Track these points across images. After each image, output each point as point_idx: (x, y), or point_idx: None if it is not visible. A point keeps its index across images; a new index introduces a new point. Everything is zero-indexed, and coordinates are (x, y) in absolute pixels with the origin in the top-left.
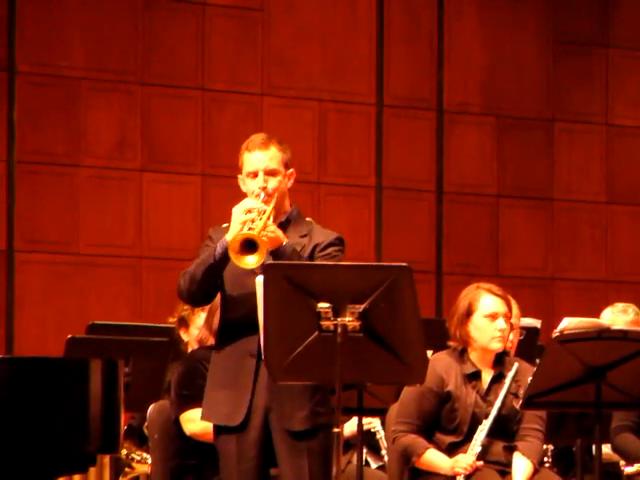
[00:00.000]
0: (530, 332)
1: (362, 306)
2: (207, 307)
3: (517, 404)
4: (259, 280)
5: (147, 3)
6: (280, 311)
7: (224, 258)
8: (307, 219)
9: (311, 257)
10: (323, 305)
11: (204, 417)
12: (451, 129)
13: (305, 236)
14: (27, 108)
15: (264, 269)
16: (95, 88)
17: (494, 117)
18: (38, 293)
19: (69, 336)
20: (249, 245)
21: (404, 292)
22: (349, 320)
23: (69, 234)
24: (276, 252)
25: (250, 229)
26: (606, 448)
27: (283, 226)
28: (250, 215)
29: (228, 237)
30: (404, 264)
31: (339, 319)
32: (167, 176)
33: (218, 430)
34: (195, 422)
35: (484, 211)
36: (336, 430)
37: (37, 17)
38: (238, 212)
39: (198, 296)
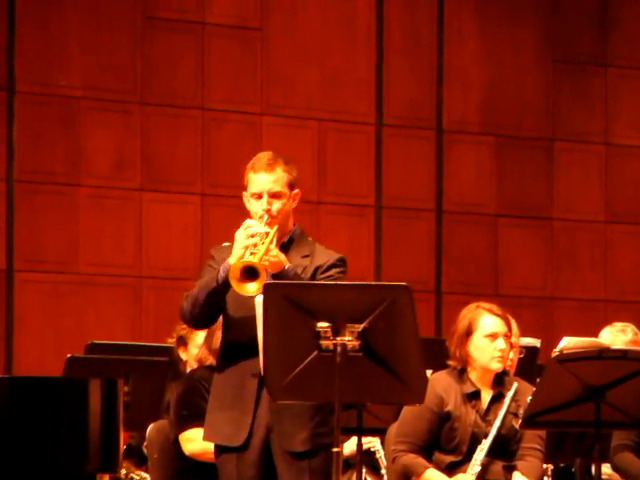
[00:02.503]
0: (530, 351)
1: (361, 325)
2: None
3: (517, 423)
4: (258, 300)
5: (146, 23)
6: (280, 330)
7: (227, 282)
8: (309, 239)
9: (313, 279)
10: (322, 324)
11: (206, 437)
12: (450, 148)
13: (307, 257)
14: (26, 127)
15: (264, 288)
16: (94, 107)
17: (493, 136)
18: (38, 312)
19: (68, 355)
20: (250, 272)
21: (404, 312)
22: (348, 339)
23: (69, 253)
24: (278, 276)
25: (252, 253)
26: (606, 467)
27: (286, 246)
28: (252, 240)
29: (231, 260)
30: (404, 283)
31: (338, 338)
32: (166, 196)
33: (219, 450)
34: (194, 442)
35: (483, 230)
36: (336, 450)
37: (36, 36)
38: (241, 236)
39: (201, 319)
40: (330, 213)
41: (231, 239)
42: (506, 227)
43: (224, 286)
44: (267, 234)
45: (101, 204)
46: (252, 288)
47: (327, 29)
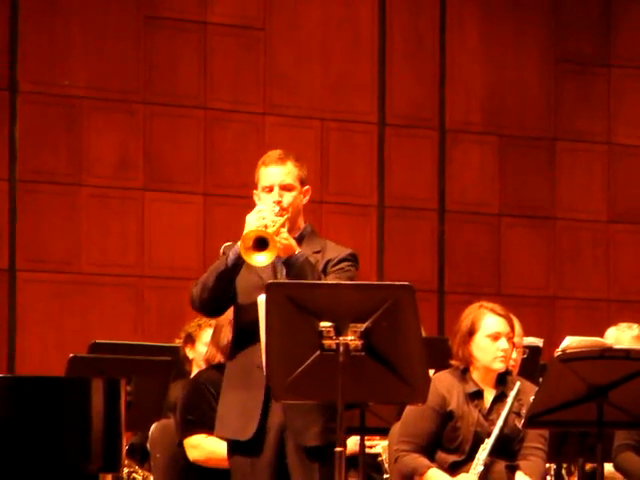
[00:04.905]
0: (532, 351)
1: (364, 325)
2: (214, 323)
3: (519, 423)
4: (261, 299)
5: (149, 22)
6: (282, 330)
7: (236, 264)
8: (320, 236)
9: (324, 272)
10: (325, 324)
11: (217, 432)
12: (453, 148)
13: (318, 252)
14: (29, 127)
15: (266, 288)
16: (97, 107)
17: (496, 136)
18: (40, 312)
19: (71, 355)
20: (261, 244)
21: (406, 311)
22: (351, 339)
23: (71, 253)
24: (288, 261)
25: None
26: (608, 467)
27: (296, 242)
28: (263, 221)
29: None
30: (406, 283)
31: (341, 338)
32: (169, 195)
33: (232, 448)
34: (198, 449)
35: (486, 230)
36: (338, 449)
37: (39, 36)
38: (252, 219)
39: (210, 304)
40: (333, 213)
41: (234, 239)
42: (509, 227)
43: (234, 267)
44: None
45: (104, 204)
46: (260, 259)
47: (330, 29)
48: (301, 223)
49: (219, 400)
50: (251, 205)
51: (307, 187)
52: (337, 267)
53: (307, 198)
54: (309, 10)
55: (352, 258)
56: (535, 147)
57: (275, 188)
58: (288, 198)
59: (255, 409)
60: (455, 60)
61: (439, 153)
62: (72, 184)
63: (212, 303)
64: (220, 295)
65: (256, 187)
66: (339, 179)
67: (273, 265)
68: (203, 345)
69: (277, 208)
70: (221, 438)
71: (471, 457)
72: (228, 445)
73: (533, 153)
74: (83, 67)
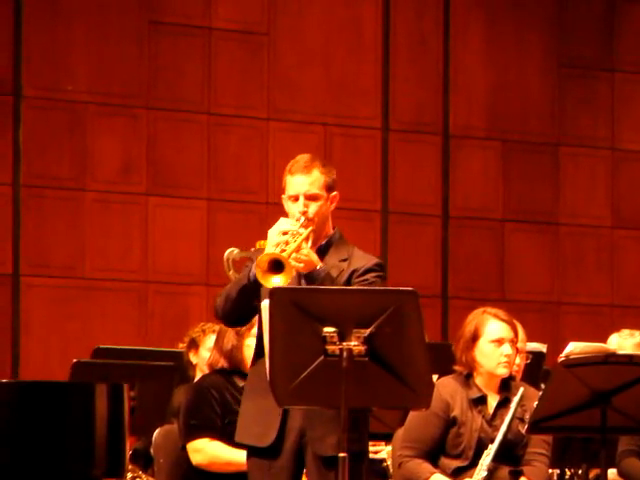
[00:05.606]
0: (536, 356)
1: (368, 330)
2: (217, 328)
3: (523, 429)
4: (265, 304)
5: (153, 27)
6: (286, 335)
7: (258, 280)
8: (348, 243)
9: (349, 282)
10: (329, 329)
11: (237, 438)
12: (457, 153)
13: (345, 260)
14: (33, 132)
15: (270, 293)
16: (101, 112)
17: (499, 141)
18: (43, 317)
19: (74, 360)
20: (277, 265)
21: (410, 317)
22: (355, 344)
23: (74, 258)
24: (309, 276)
25: (282, 250)
26: (612, 473)
27: (324, 249)
28: (284, 237)
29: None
30: (410, 289)
31: (345, 343)
32: (173, 200)
33: (251, 452)
34: (201, 453)
35: (490, 235)
36: (342, 455)
37: (42, 41)
38: (273, 233)
39: (233, 316)
40: (336, 218)
41: (237, 244)
42: (512, 232)
43: (255, 283)
44: (300, 234)
45: (107, 209)
46: (276, 281)
47: (334, 34)
48: (329, 229)
49: (240, 405)
50: (254, 211)
51: (335, 193)
52: (362, 278)
53: (335, 204)
54: (313, 15)
55: (378, 268)
56: (538, 152)
57: (300, 198)
58: (314, 208)
59: (275, 415)
60: (459, 65)
61: (442, 158)
62: (76, 189)
63: (235, 314)
64: (243, 307)
65: (284, 192)
66: (342, 184)
67: (298, 274)
68: (207, 350)
69: (303, 219)
70: (240, 446)
71: (474, 463)
72: (247, 447)
73: (536, 158)
74: (87, 72)
